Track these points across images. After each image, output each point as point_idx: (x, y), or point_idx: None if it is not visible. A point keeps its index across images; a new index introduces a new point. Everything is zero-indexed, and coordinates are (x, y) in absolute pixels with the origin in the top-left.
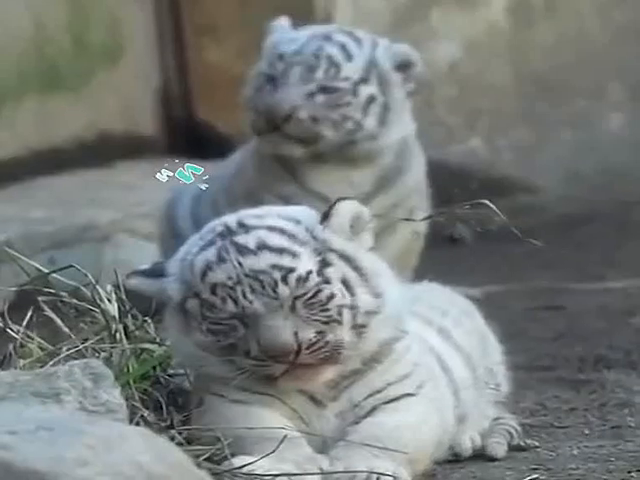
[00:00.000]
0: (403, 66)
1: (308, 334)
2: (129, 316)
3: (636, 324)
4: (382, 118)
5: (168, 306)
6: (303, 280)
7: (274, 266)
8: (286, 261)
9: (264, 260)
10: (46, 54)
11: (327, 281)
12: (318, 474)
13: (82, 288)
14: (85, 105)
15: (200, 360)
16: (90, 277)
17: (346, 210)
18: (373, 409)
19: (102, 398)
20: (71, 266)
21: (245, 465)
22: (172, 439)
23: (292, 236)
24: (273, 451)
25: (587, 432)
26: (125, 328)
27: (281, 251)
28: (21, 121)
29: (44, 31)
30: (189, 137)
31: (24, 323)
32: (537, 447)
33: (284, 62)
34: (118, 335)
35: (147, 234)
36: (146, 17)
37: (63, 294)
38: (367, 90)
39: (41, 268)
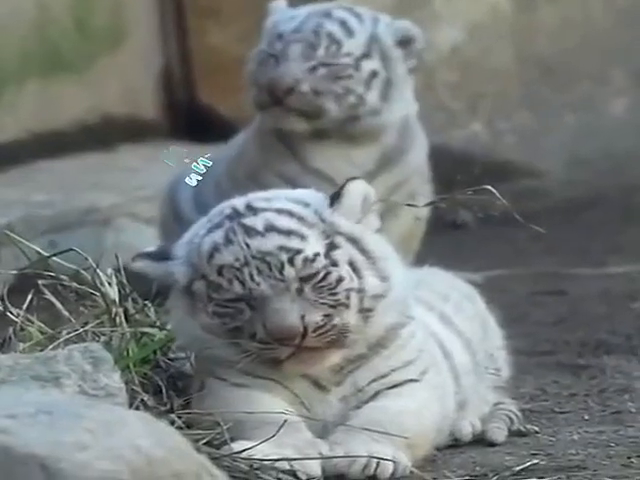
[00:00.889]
0: (404, 42)
1: (315, 317)
2: (129, 300)
3: (638, 309)
4: (385, 93)
5: (174, 288)
6: (310, 261)
7: (281, 247)
8: (293, 243)
9: (271, 242)
10: (49, 37)
11: (334, 264)
12: (318, 459)
13: (82, 272)
14: (87, 88)
15: (205, 343)
16: (90, 261)
17: (357, 191)
18: (376, 394)
19: (102, 382)
20: (72, 249)
21: (245, 450)
22: (172, 423)
23: (300, 218)
24: (273, 436)
25: (587, 417)
26: (125, 312)
27: (289, 233)
28: (23, 104)
29: (47, 13)
30: (191, 120)
31: (24, 306)
32: (537, 432)
33: (283, 41)
34: (118, 319)
35: (148, 218)
36: (148, 0)
37: (63, 277)
38: (369, 65)
39: (41, 252)
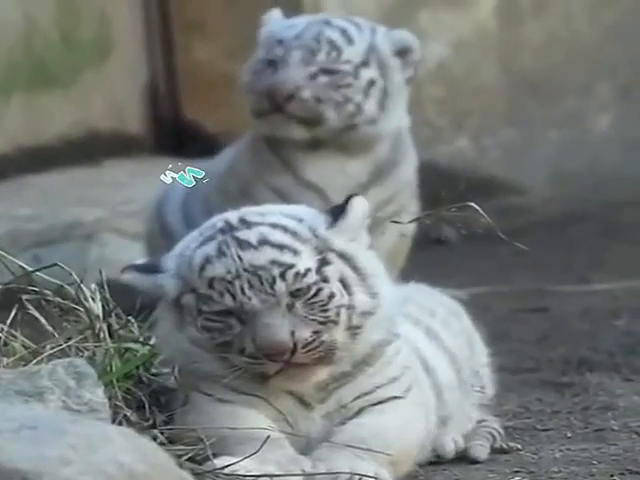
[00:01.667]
0: (402, 52)
1: (305, 334)
2: (113, 315)
3: (621, 327)
4: (382, 103)
5: (162, 301)
6: (302, 276)
7: (273, 262)
8: (286, 257)
9: (264, 255)
10: (35, 50)
11: (325, 280)
12: (300, 475)
13: (66, 287)
14: (73, 102)
15: (193, 357)
16: (75, 276)
17: (359, 208)
18: (360, 410)
19: (85, 397)
20: (56, 264)
21: (227, 466)
22: (154, 439)
23: (294, 234)
24: (255, 452)
25: (570, 435)
26: (109, 327)
27: (282, 247)
28: (9, 118)
29: (34, 26)
30: (176, 136)
31: (8, 321)
32: (519, 450)
33: (284, 46)
34: (102, 334)
35: (133, 233)
36: (134, 14)
37: (47, 292)
38: (368, 74)
39: (25, 267)
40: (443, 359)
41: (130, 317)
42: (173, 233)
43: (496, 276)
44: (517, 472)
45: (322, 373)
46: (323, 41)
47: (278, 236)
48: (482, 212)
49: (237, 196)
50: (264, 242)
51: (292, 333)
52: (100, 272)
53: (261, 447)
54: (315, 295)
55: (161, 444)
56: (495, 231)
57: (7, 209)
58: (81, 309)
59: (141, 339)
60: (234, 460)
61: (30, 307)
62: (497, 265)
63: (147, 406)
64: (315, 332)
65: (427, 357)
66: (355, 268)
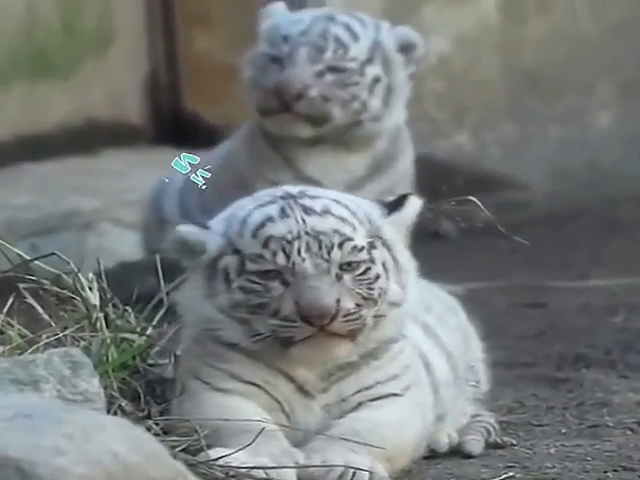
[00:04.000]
0: (406, 48)
1: (348, 304)
2: (110, 305)
3: (618, 323)
4: (386, 99)
5: (193, 268)
6: (357, 251)
7: (335, 231)
8: (346, 230)
9: (327, 223)
10: (36, 40)
11: (373, 261)
12: (294, 467)
13: (64, 276)
14: (73, 92)
15: (216, 323)
16: (72, 265)
17: (414, 207)
18: (358, 405)
19: (80, 387)
20: (53, 253)
21: (221, 457)
22: (149, 429)
23: (353, 212)
24: (250, 444)
25: (564, 431)
26: (106, 317)
27: (343, 220)
28: (9, 107)
29: (35, 15)
30: (176, 126)
31: (5, 310)
32: (514, 445)
33: (290, 43)
34: (98, 324)
35: (130, 223)
36: (136, 4)
37: (45, 282)
38: (373, 70)
39: (23, 255)
40: (440, 356)
41: (127, 307)
42: (171, 224)
43: (494, 271)
44: (511, 467)
45: (345, 349)
46: (330, 38)
47: (339, 210)
48: (482, 206)
49: (233, 189)
50: (327, 212)
51: (337, 301)
52: (98, 261)
53: (255, 439)
54: (364, 273)
55: (155, 435)
56: (495, 225)
57: (5, 197)
58: (78, 298)
59: (138, 329)
60: (228, 452)
61: (27, 296)
62: (496, 260)
63: (142, 396)
64: (357, 305)
65: (426, 353)
66: (395, 259)
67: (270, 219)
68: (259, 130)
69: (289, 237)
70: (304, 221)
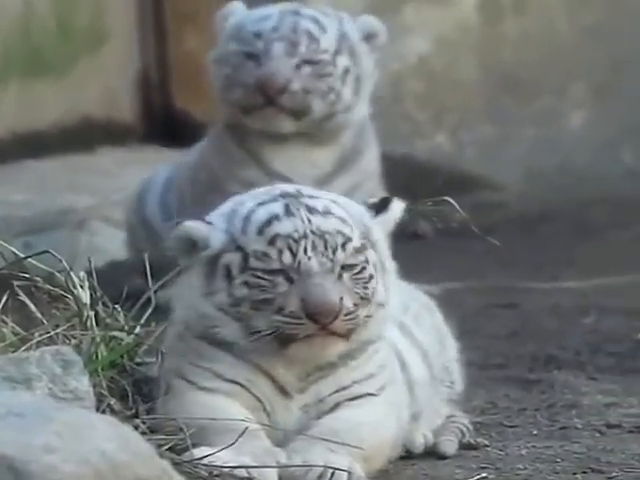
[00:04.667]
0: (369, 37)
1: (349, 303)
2: (100, 303)
3: (588, 325)
4: (356, 89)
5: (192, 262)
6: (357, 252)
7: (339, 231)
8: (347, 231)
9: (331, 223)
10: (32, 38)
11: (367, 261)
12: (275, 467)
13: (56, 274)
14: (67, 90)
15: (212, 321)
16: (65, 263)
17: (398, 209)
18: (336, 405)
19: (71, 385)
20: (46, 251)
21: (205, 456)
22: (136, 428)
23: (350, 213)
24: (233, 443)
25: (536, 432)
26: (96, 315)
27: (343, 221)
28: (4, 104)
29: (31, 14)
30: (167, 125)
31: None
32: (487, 446)
33: (263, 39)
34: (89, 322)
35: (122, 221)
36: (128, 4)
37: (38, 279)
38: (343, 61)
39: (18, 252)
40: (416, 355)
41: (116, 306)
42: (152, 225)
43: (469, 271)
44: (484, 468)
45: (339, 348)
46: (301, 32)
47: (339, 210)
48: (457, 207)
49: (207, 188)
50: (329, 212)
51: (341, 299)
52: (89, 260)
53: (238, 438)
54: (360, 272)
55: (142, 433)
56: (470, 226)
57: (0, 195)
58: (70, 297)
59: (126, 328)
60: (212, 451)
61: (20, 293)
62: (470, 260)
63: (130, 395)
64: (355, 304)
65: (402, 352)
66: (381, 261)
67: (276, 217)
68: (225, 128)
69: (296, 236)
70: (309, 220)
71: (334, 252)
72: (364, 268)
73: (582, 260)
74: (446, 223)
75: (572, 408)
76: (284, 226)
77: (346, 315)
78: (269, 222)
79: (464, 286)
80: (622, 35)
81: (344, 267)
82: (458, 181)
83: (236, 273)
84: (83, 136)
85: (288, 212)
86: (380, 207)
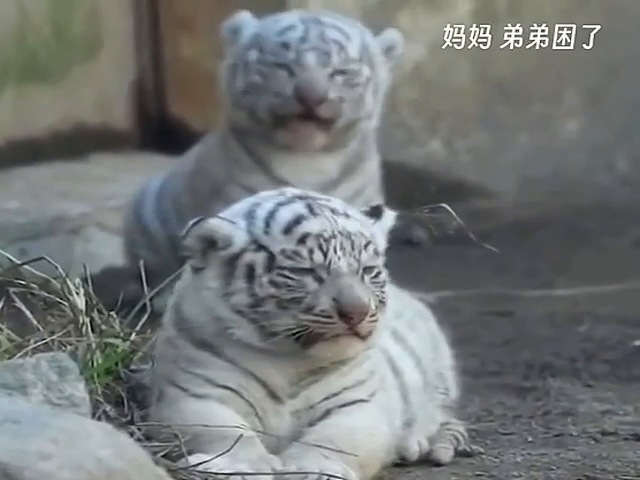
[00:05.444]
0: (388, 49)
1: (374, 304)
2: (95, 310)
3: (583, 332)
4: (375, 97)
5: (208, 262)
6: (376, 254)
7: (361, 233)
8: (367, 232)
9: (354, 224)
10: (27, 44)
11: (381, 266)
12: (270, 474)
13: (52, 280)
14: (62, 97)
15: (228, 323)
16: (60, 270)
17: (390, 219)
18: (327, 412)
19: (67, 391)
20: (42, 258)
21: (200, 463)
22: (131, 435)
23: (362, 217)
24: (228, 450)
25: (531, 440)
26: (92, 322)
27: (362, 223)
28: (0, 111)
29: (27, 21)
30: (162, 132)
31: None
32: (482, 453)
33: (294, 50)
34: (85, 329)
35: (116, 228)
36: (125, 11)
37: (33, 286)
38: (365, 70)
39: (13, 259)
40: (409, 361)
41: (112, 312)
42: (151, 233)
43: (464, 279)
44: (479, 476)
45: (359, 348)
46: (330, 42)
47: (355, 214)
48: (454, 214)
49: (208, 196)
50: (348, 214)
51: (369, 299)
52: (84, 266)
53: (233, 445)
54: (377, 276)
55: (138, 440)
56: (466, 233)
57: None
58: (65, 303)
59: (121, 335)
60: (207, 458)
61: (16, 300)
62: (465, 268)
63: (125, 402)
64: (375, 307)
65: (394, 359)
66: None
67: (303, 216)
68: (230, 134)
69: (326, 235)
70: (335, 220)
71: (360, 252)
72: (380, 272)
73: (576, 267)
74: (442, 230)
75: (567, 415)
76: (313, 225)
77: (372, 315)
78: (297, 221)
79: (459, 294)
80: (616, 41)
81: (365, 269)
82: (452, 188)
83: (260, 272)
84: (78, 143)
85: (313, 212)
86: (372, 215)
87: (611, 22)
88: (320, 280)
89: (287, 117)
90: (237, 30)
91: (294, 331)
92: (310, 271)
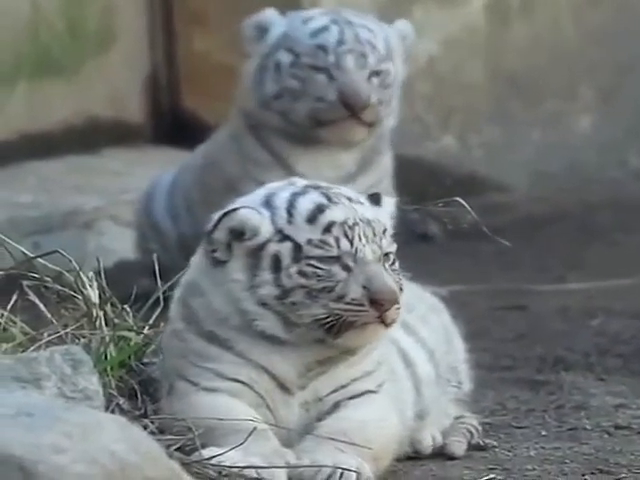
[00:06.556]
0: (401, 39)
1: (398, 290)
2: (109, 303)
3: (596, 326)
4: (397, 93)
5: (231, 254)
6: (393, 240)
7: (378, 220)
8: (383, 219)
9: (370, 211)
10: (41, 39)
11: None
12: (284, 467)
13: (65, 274)
14: (76, 91)
15: (252, 315)
16: (74, 263)
17: (391, 206)
18: (336, 404)
19: (80, 385)
20: (56, 251)
21: (214, 456)
22: (145, 428)
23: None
24: (242, 443)
25: (544, 433)
26: (105, 315)
27: (375, 210)
28: (13, 105)
29: (40, 16)
30: (175, 126)
31: (8, 307)
32: (495, 447)
33: (332, 53)
34: (98, 322)
35: (130, 222)
36: (138, 5)
37: (47, 279)
38: (391, 67)
39: (27, 252)
40: (422, 353)
41: (125, 306)
42: (160, 225)
43: (477, 274)
44: (492, 469)
45: (382, 336)
46: (364, 43)
47: (366, 201)
48: (469, 208)
49: (222, 192)
50: (360, 202)
51: (397, 287)
52: (98, 260)
53: (247, 439)
54: (393, 263)
55: (151, 433)
56: (480, 227)
57: (8, 196)
58: (79, 296)
59: (135, 328)
60: (221, 451)
61: (30, 293)
62: (478, 263)
63: (139, 395)
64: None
65: (406, 350)
66: None
67: (324, 205)
68: (247, 131)
69: (350, 222)
70: (354, 209)
71: (381, 239)
72: (395, 259)
73: (588, 262)
74: (456, 224)
75: (581, 409)
76: (336, 214)
77: (396, 302)
78: (320, 210)
79: (472, 288)
80: (629, 38)
81: (385, 255)
82: (465, 183)
83: (287, 263)
84: (91, 137)
85: (331, 201)
86: (372, 203)
87: (624, 19)
88: (348, 268)
89: (331, 120)
90: (264, 28)
91: (324, 321)
92: (337, 259)
